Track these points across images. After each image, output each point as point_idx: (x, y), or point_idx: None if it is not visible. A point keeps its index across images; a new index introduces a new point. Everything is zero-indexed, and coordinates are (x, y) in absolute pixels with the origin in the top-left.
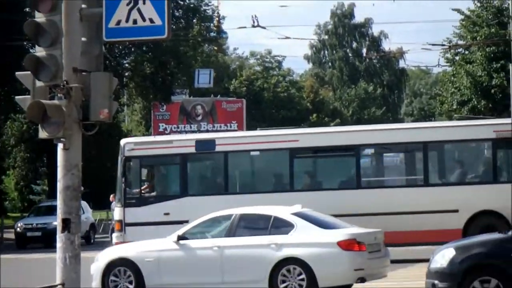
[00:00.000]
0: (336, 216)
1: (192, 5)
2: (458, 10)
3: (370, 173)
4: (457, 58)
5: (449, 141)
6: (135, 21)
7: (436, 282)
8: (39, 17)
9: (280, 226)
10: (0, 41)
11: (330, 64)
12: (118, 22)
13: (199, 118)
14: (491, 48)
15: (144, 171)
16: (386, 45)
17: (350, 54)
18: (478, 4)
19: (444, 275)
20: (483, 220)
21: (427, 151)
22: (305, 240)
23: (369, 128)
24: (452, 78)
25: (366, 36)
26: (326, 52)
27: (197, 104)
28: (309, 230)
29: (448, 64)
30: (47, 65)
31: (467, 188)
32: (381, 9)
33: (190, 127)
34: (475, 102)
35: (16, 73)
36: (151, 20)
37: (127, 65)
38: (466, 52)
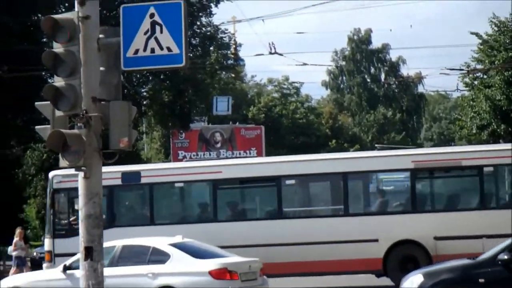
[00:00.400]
0: (258, 246)
1: (208, 33)
2: (476, 34)
3: (292, 204)
4: (475, 82)
5: (369, 171)
6: (152, 50)
7: None
8: (57, 48)
9: (158, 256)
10: (18, 71)
11: (348, 89)
12: (136, 51)
13: (218, 145)
14: (510, 72)
15: (72, 203)
16: (404, 70)
17: (368, 80)
18: (496, 29)
19: None
20: (402, 249)
21: (347, 181)
22: (180, 269)
23: (290, 159)
24: (471, 102)
25: (384, 62)
26: (344, 78)
27: (216, 131)
28: (184, 260)
29: (467, 88)
30: (66, 95)
31: (387, 217)
32: (398, 34)
33: (210, 154)
34: (495, 126)
35: (36, 103)
36: (169, 49)
37: (145, 93)
38: (485, 76)
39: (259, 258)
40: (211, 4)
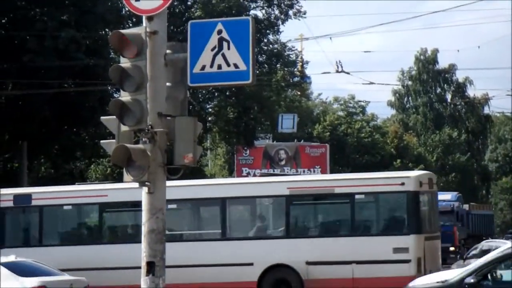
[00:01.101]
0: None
1: (275, 50)
2: None
3: (170, 227)
4: None
5: (246, 197)
6: (219, 66)
7: None
8: (124, 62)
9: None
10: (85, 85)
11: (414, 109)
12: (203, 67)
13: (283, 162)
14: None
15: None
16: (471, 91)
17: (434, 100)
18: None
19: None
20: (276, 273)
21: (225, 206)
22: (4, 286)
23: (171, 184)
24: None
25: (450, 82)
26: (410, 98)
27: (281, 149)
28: (8, 278)
29: None
30: (132, 110)
31: (262, 242)
32: (465, 55)
33: (273, 171)
34: None
35: (101, 117)
36: (236, 66)
37: (210, 109)
38: None
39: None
40: (279, 21)
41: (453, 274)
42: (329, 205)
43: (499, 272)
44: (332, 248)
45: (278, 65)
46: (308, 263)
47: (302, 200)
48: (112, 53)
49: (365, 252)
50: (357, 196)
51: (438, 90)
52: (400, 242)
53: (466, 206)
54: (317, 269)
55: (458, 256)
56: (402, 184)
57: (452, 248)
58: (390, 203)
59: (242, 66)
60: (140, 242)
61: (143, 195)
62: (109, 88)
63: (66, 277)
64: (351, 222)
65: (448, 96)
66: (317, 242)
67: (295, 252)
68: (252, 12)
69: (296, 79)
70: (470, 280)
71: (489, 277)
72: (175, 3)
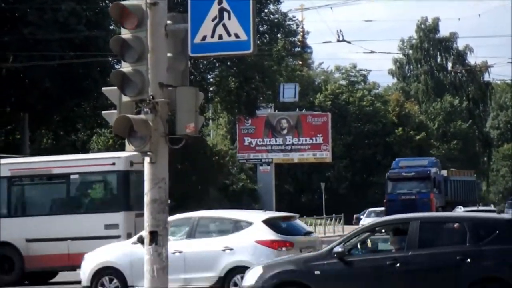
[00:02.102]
0: None
1: (276, 20)
2: None
3: None
4: None
5: None
6: (220, 36)
7: None
8: (125, 34)
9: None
10: (85, 57)
11: (415, 78)
12: (204, 38)
13: (284, 131)
14: None
15: None
16: (471, 59)
17: (435, 68)
18: None
19: None
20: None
21: None
22: None
23: None
24: None
25: (451, 50)
26: (411, 66)
27: (282, 118)
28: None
29: None
30: (133, 81)
31: None
32: (466, 23)
33: (276, 140)
34: None
35: (103, 88)
36: (237, 35)
37: (212, 80)
38: None
39: None
40: None
41: None
42: (48, 185)
43: (371, 241)
44: (49, 226)
45: (279, 35)
46: (28, 240)
47: (22, 181)
48: (112, 25)
49: (79, 229)
50: (72, 176)
51: (439, 58)
52: (111, 219)
53: (444, 172)
54: (36, 246)
55: None
56: (113, 164)
57: None
58: (103, 182)
59: (243, 36)
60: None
61: (145, 165)
62: (110, 59)
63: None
64: (67, 201)
65: (449, 64)
66: (36, 221)
67: (16, 230)
68: None
69: (297, 49)
70: (338, 249)
71: (358, 246)
72: None
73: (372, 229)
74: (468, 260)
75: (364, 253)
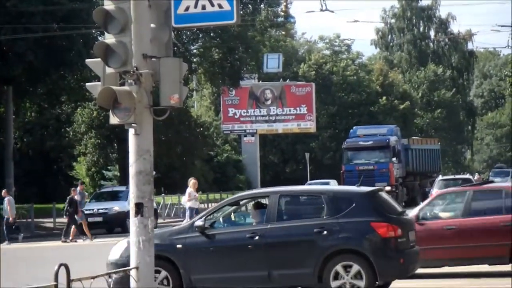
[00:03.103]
0: None
1: None
2: None
3: None
4: None
5: None
6: (203, 7)
7: (111, 273)
8: (108, 5)
9: None
10: (69, 29)
11: (398, 47)
12: (187, 8)
13: (268, 102)
14: None
15: None
16: (454, 27)
17: (418, 37)
18: None
19: (118, 266)
20: None
21: None
22: None
23: None
24: None
25: (434, 18)
26: (394, 35)
27: (266, 89)
28: None
29: None
30: (116, 52)
31: None
32: None
33: (260, 111)
34: None
35: (86, 60)
36: (220, 6)
37: (195, 51)
38: None
39: None
40: None
41: None
42: None
43: (233, 215)
44: None
45: (262, 5)
46: None
47: None
48: None
49: None
50: None
51: (422, 27)
52: None
53: (405, 141)
54: None
55: (395, 197)
56: None
57: (387, 188)
58: None
59: (226, 6)
60: None
61: (129, 136)
62: (94, 31)
63: None
64: None
65: (432, 33)
66: None
67: None
68: None
69: (280, 19)
70: (199, 222)
71: (221, 219)
72: None
73: (234, 202)
74: (325, 232)
75: (226, 226)
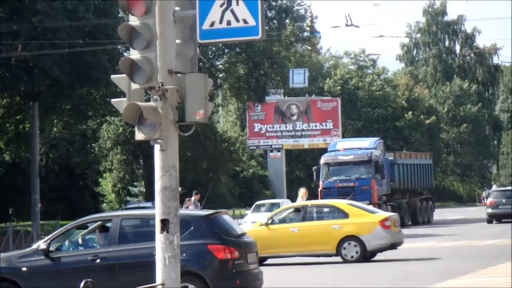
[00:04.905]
0: None
1: (284, 6)
2: None
3: None
4: None
5: None
6: (228, 22)
7: None
8: (133, 21)
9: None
10: (94, 45)
11: (423, 62)
12: (212, 24)
13: (294, 117)
14: None
15: None
16: (480, 42)
17: (443, 52)
18: None
19: None
20: None
21: None
22: None
23: None
24: None
25: (459, 33)
26: (419, 50)
27: (292, 104)
28: None
29: None
30: (142, 68)
31: None
32: (474, 5)
33: (286, 126)
34: None
35: (112, 76)
36: (245, 21)
37: (220, 66)
38: None
39: None
40: None
41: None
42: None
43: (81, 238)
44: None
45: (287, 20)
46: None
47: None
48: (121, 12)
49: None
50: None
51: (447, 41)
52: None
53: (390, 155)
54: None
55: None
56: None
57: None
58: None
59: (251, 22)
60: None
61: (155, 152)
62: (119, 47)
63: None
64: None
65: (457, 47)
66: None
67: None
68: None
69: (305, 34)
70: (43, 246)
71: (66, 243)
72: None
73: (80, 225)
74: None
75: (72, 249)
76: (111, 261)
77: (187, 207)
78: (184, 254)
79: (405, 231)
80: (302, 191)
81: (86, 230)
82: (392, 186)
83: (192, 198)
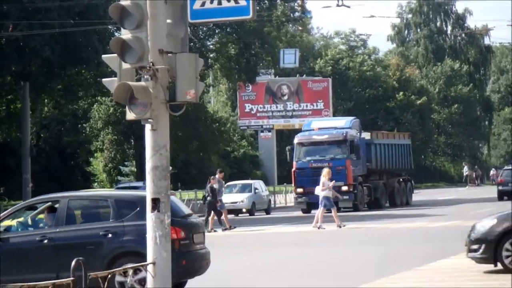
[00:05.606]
0: None
1: None
2: None
3: None
4: None
5: None
6: (219, 2)
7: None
8: (124, 1)
9: None
10: (85, 25)
11: (415, 42)
12: (203, 4)
13: (285, 97)
14: None
15: None
16: (471, 22)
17: (434, 32)
18: None
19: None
20: None
21: None
22: None
23: None
24: None
25: (451, 14)
26: (410, 30)
27: (283, 84)
28: None
29: None
30: (133, 48)
31: None
32: None
33: (276, 107)
34: None
35: (103, 56)
36: (236, 1)
37: (211, 46)
38: None
39: None
40: None
41: None
42: None
43: (30, 218)
44: None
45: (278, 0)
46: None
47: None
48: None
49: None
50: None
51: (438, 22)
52: None
53: (366, 135)
54: None
55: (354, 198)
56: None
57: (344, 188)
58: None
59: (242, 1)
60: None
61: (146, 132)
62: (110, 27)
63: None
64: None
65: (448, 28)
66: None
67: None
68: None
69: (296, 14)
70: None
71: (15, 223)
72: None
73: (29, 206)
74: (110, 235)
75: (21, 230)
76: (58, 241)
77: (212, 186)
78: (130, 235)
79: (381, 212)
80: (325, 170)
81: (35, 211)
82: (369, 166)
83: (217, 176)
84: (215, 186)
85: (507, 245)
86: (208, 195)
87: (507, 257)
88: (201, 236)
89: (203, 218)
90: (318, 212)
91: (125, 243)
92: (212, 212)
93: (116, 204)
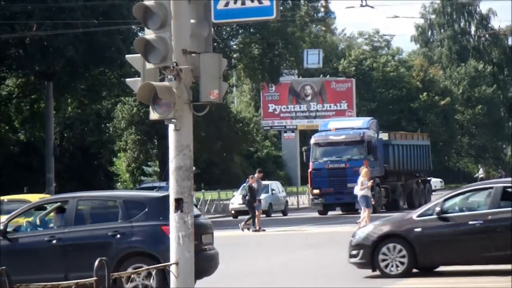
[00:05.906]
0: None
1: None
2: None
3: None
4: None
5: None
6: (243, 2)
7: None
8: (148, 0)
9: None
10: (109, 25)
11: (438, 43)
12: (227, 4)
13: (309, 98)
14: None
15: None
16: (495, 23)
17: (458, 33)
18: None
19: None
20: None
21: None
22: None
23: None
24: None
25: (474, 14)
26: (434, 31)
27: (306, 85)
28: None
29: None
30: (156, 48)
31: None
32: None
33: (300, 107)
34: None
35: (127, 56)
36: (259, 1)
37: (235, 46)
38: None
39: None
40: None
41: None
42: None
43: (39, 219)
44: None
45: (301, 1)
46: None
47: None
48: None
49: None
50: None
51: (462, 23)
52: None
53: (384, 135)
54: None
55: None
56: None
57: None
58: None
59: (266, 2)
60: None
61: (169, 132)
62: (134, 27)
63: None
64: None
65: (472, 29)
66: None
67: None
68: None
69: (320, 14)
70: (1, 227)
71: (24, 224)
72: None
73: (39, 207)
74: (118, 236)
75: (30, 230)
76: (66, 241)
77: (250, 185)
78: (138, 235)
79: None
80: (364, 170)
81: (44, 212)
82: (386, 167)
83: (256, 175)
84: (254, 185)
85: (384, 250)
86: (246, 194)
87: (383, 260)
88: (210, 236)
89: (245, 217)
90: (364, 213)
91: (134, 243)
92: (256, 211)
93: (124, 204)
